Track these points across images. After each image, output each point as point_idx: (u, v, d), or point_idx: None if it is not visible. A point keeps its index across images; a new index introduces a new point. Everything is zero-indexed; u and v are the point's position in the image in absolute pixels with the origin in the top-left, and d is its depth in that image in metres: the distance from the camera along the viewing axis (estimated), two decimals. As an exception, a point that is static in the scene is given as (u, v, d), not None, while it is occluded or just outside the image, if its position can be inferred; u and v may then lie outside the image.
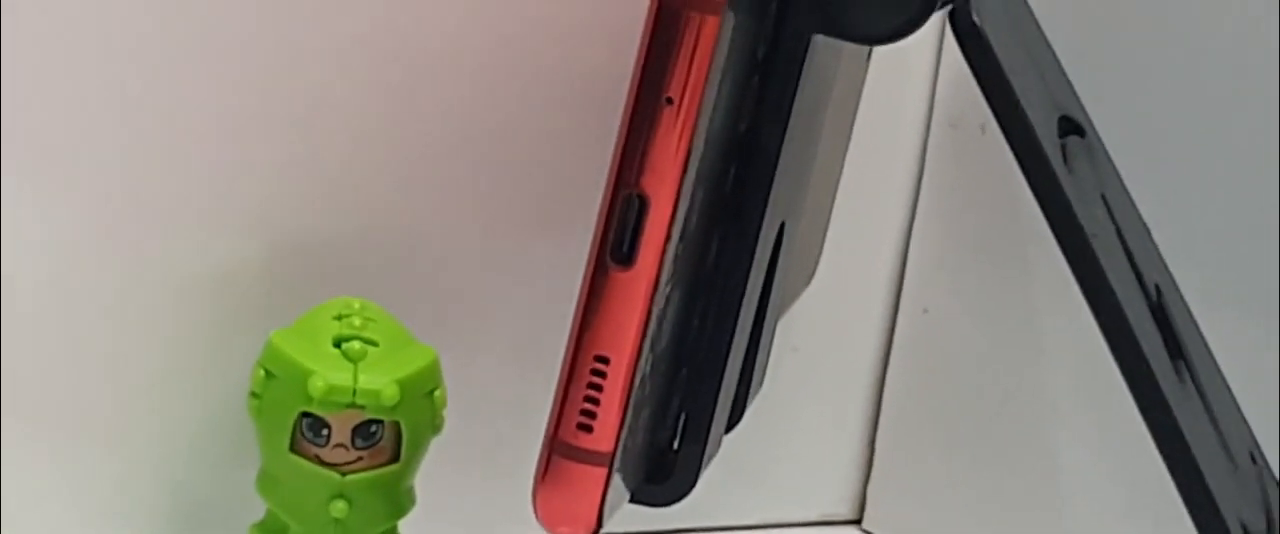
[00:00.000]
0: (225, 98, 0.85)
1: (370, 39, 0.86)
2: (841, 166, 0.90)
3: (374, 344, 0.81)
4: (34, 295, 0.84)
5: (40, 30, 0.82)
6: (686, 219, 0.72)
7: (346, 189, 0.87)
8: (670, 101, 0.70)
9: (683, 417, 0.76)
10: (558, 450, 0.73)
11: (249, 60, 0.85)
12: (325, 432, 0.81)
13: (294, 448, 0.81)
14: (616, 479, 0.73)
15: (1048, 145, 0.75)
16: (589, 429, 0.72)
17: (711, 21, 0.70)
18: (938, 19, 0.74)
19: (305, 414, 0.81)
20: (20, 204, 0.83)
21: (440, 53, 0.87)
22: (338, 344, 0.81)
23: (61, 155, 0.83)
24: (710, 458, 0.76)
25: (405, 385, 0.80)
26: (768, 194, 0.75)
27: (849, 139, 0.90)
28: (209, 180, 0.85)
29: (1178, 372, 0.77)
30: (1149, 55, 0.89)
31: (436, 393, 0.82)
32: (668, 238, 0.71)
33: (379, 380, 0.80)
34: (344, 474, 0.81)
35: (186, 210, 0.85)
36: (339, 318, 0.81)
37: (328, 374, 0.80)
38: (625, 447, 0.73)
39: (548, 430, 0.73)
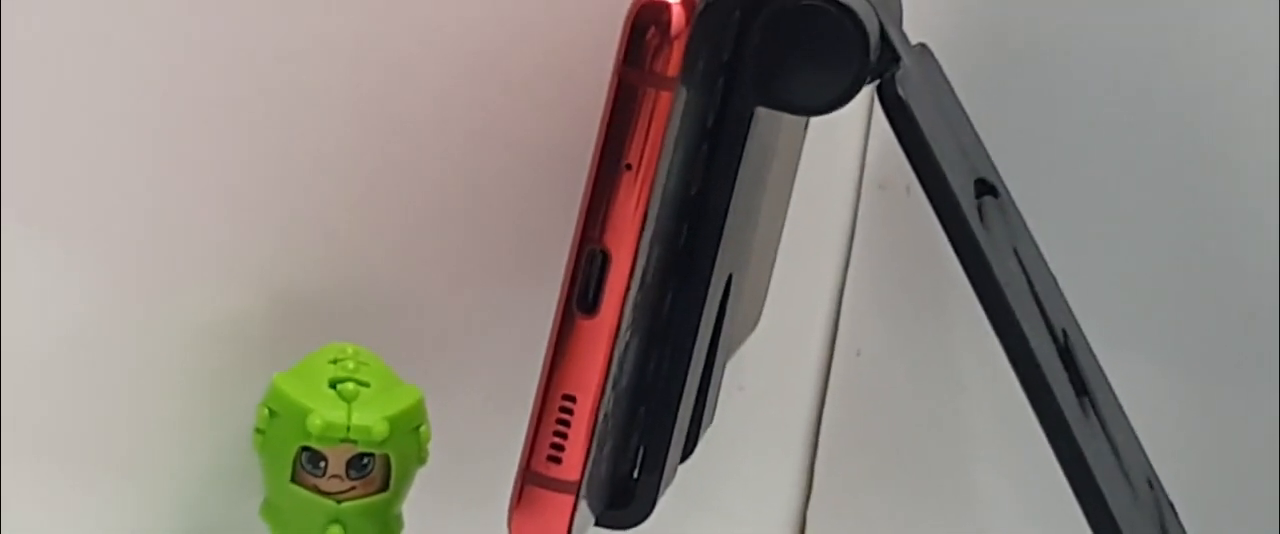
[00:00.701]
0: (232, 167, 0.85)
1: (364, 114, 0.86)
2: (783, 223, 0.90)
3: (366, 385, 0.81)
4: (59, 342, 0.84)
5: (63, 97, 0.82)
6: (644, 272, 0.72)
7: (341, 248, 0.87)
8: (629, 167, 0.70)
9: (642, 449, 0.76)
10: (530, 479, 0.72)
11: (254, 134, 0.85)
12: (323, 464, 0.81)
13: (295, 478, 0.81)
14: (583, 505, 0.73)
15: (966, 205, 0.75)
16: (558, 460, 0.72)
17: (665, 96, 0.70)
18: (867, 92, 0.74)
19: (305, 448, 0.80)
20: (46, 260, 0.83)
21: (425, 125, 0.87)
22: (333, 385, 0.81)
23: (84, 215, 0.83)
24: (666, 485, 0.76)
25: (394, 422, 0.80)
26: (716, 250, 0.74)
27: (789, 198, 0.90)
28: (218, 240, 0.85)
29: (1083, 407, 0.77)
30: (1054, 124, 0.89)
31: (422, 428, 0.82)
32: (627, 289, 0.71)
33: (370, 418, 0.80)
34: (339, 502, 0.81)
35: (198, 267, 0.85)
36: (334, 362, 0.81)
37: (325, 412, 0.80)
38: (590, 476, 0.72)
39: (521, 461, 0.72)
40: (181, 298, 0.85)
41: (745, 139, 0.74)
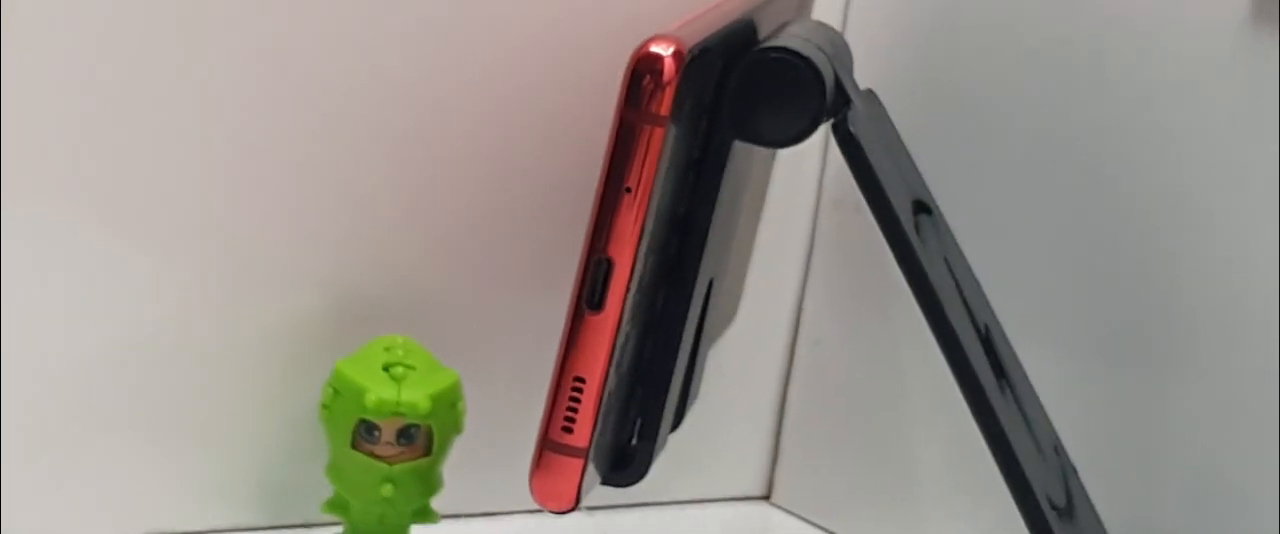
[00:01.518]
0: (301, 191, 0.84)
1: (410, 147, 0.85)
2: (755, 235, 0.90)
3: (412, 369, 0.81)
4: (158, 334, 0.83)
5: (158, 131, 0.81)
6: (641, 276, 0.71)
7: (391, 258, 0.87)
8: (629, 190, 0.70)
9: (639, 421, 0.75)
10: (547, 446, 0.72)
11: (320, 164, 0.84)
12: (377, 433, 0.81)
13: (354, 445, 0.81)
14: (590, 467, 0.72)
15: (905, 222, 0.75)
16: (570, 430, 0.71)
17: (659, 132, 0.70)
18: (824, 129, 0.74)
19: (362, 420, 0.81)
20: (142, 266, 0.82)
21: (460, 157, 0.86)
22: (386, 369, 0.81)
23: (177, 229, 0.83)
24: (659, 451, 0.76)
25: (436, 399, 0.80)
26: (700, 258, 0.74)
27: (760, 215, 0.90)
28: (289, 252, 0.85)
29: (1001, 387, 0.77)
30: (977, 155, 0.88)
31: (458, 404, 0.82)
32: (627, 290, 0.71)
33: (416, 395, 0.80)
34: (391, 464, 0.81)
35: (273, 274, 0.85)
36: (386, 349, 0.82)
37: (379, 391, 0.80)
38: (597, 443, 0.72)
39: (540, 431, 0.72)
40: (259, 298, 0.85)
41: (724, 167, 0.74)
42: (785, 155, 0.86)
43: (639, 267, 0.71)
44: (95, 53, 0.80)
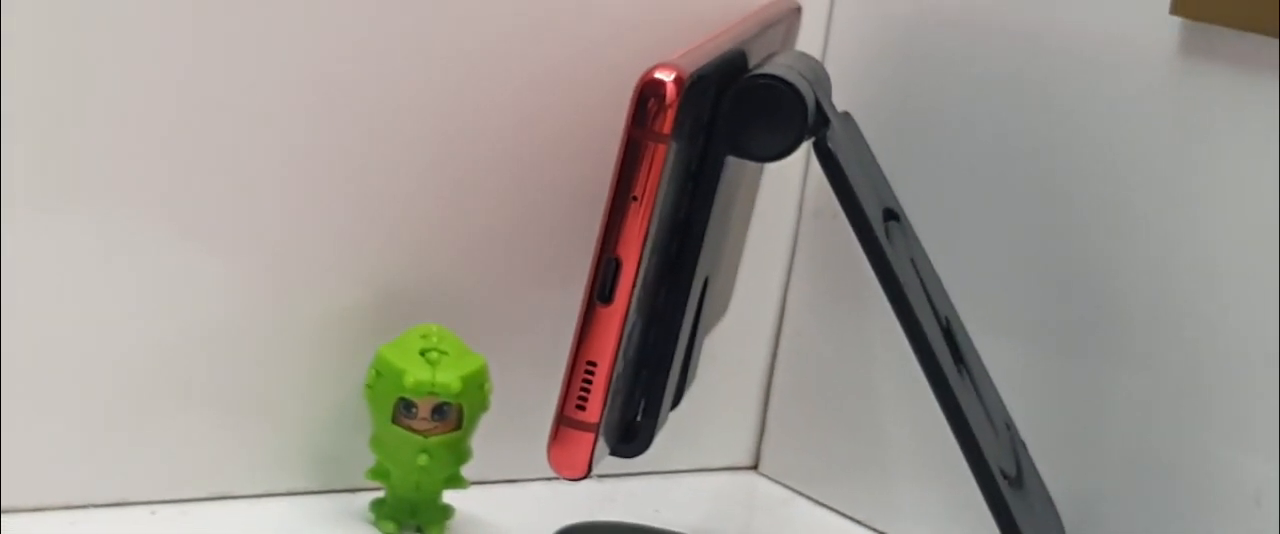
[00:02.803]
0: (347, 198, 0.84)
1: (444, 160, 0.85)
2: (745, 238, 0.89)
3: (446, 354, 0.81)
4: (224, 324, 0.83)
5: (217, 141, 0.81)
6: (646, 274, 0.71)
7: (427, 257, 0.86)
8: (635, 199, 0.70)
9: (643, 400, 0.75)
10: (563, 421, 0.71)
11: (365, 174, 0.84)
12: (414, 410, 0.81)
13: (394, 420, 0.81)
14: (601, 441, 0.72)
15: (877, 227, 0.75)
16: (583, 408, 0.71)
17: (662, 148, 0.70)
18: (806, 146, 0.74)
19: (401, 398, 0.81)
20: (215, 264, 0.82)
21: (488, 169, 0.86)
22: (422, 354, 0.81)
23: (241, 231, 0.83)
24: (661, 426, 0.76)
25: (466, 380, 0.81)
26: (697, 258, 0.74)
27: (749, 220, 0.90)
28: (338, 252, 0.85)
29: (960, 372, 0.77)
30: (939, 169, 0.88)
31: (486, 385, 0.82)
32: (634, 286, 0.71)
33: (449, 377, 0.80)
34: (426, 437, 0.81)
35: (326, 270, 0.85)
36: (423, 337, 0.82)
37: (416, 373, 0.80)
38: (606, 419, 0.72)
39: (557, 409, 0.72)
40: (311, 293, 0.84)
41: (718, 179, 0.74)
42: (772, 169, 0.86)
43: (644, 265, 0.71)
44: (176, 82, 0.80)
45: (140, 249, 0.81)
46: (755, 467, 0.97)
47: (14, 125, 0.77)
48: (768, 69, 0.73)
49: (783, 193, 0.94)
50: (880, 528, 0.90)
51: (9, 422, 0.79)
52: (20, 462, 0.80)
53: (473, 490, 0.84)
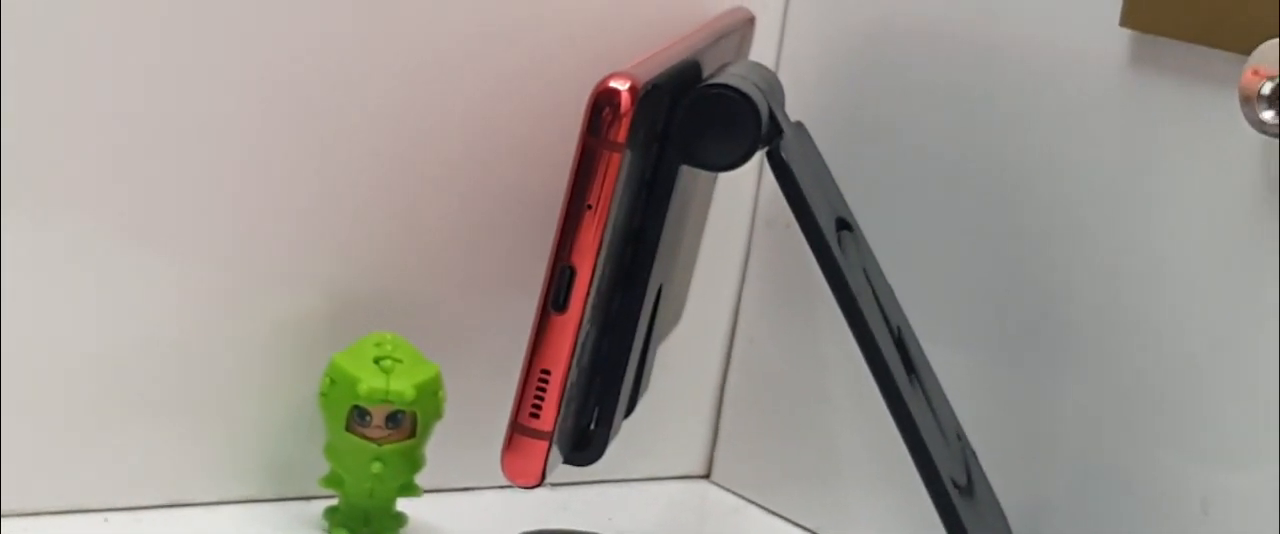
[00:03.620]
0: (301, 205, 0.84)
1: (399, 168, 0.85)
2: (698, 247, 0.90)
3: (400, 361, 0.81)
4: (178, 331, 0.83)
5: (168, 149, 0.81)
6: (600, 282, 0.71)
7: (382, 263, 0.87)
8: (590, 207, 0.70)
9: (597, 408, 0.75)
10: (517, 429, 0.71)
11: (319, 182, 0.84)
12: (368, 417, 0.81)
13: (348, 428, 0.81)
14: (554, 448, 0.72)
15: (829, 237, 0.75)
16: (537, 416, 0.71)
17: (616, 157, 0.70)
18: (759, 155, 0.74)
19: (355, 406, 0.81)
20: (168, 270, 0.82)
21: (443, 177, 0.86)
22: (376, 362, 0.81)
23: (194, 237, 0.82)
24: (614, 434, 0.76)
25: (420, 388, 0.81)
26: (651, 267, 0.74)
27: (703, 229, 0.90)
28: (293, 258, 0.85)
29: (911, 381, 0.77)
30: (890, 179, 0.88)
31: (440, 393, 0.82)
32: (588, 294, 0.71)
33: (403, 385, 0.81)
34: (380, 445, 0.81)
35: (280, 277, 0.85)
36: (377, 345, 0.82)
37: (370, 381, 0.80)
38: (560, 427, 0.72)
39: (511, 416, 0.72)
40: (265, 300, 0.84)
41: (672, 188, 0.74)
42: (725, 178, 0.86)
43: (598, 273, 0.71)
44: (131, 90, 0.80)
45: (93, 256, 0.81)
46: (708, 475, 0.97)
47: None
48: (722, 79, 0.73)
49: (736, 202, 0.94)
50: (831, 536, 0.91)
51: (-42, 429, 0.79)
52: (-27, 469, 0.80)
53: (426, 498, 0.84)
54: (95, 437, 0.82)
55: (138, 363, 0.82)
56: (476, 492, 0.89)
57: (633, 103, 0.69)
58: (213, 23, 0.81)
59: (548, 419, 0.71)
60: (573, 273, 0.70)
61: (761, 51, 0.91)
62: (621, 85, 0.69)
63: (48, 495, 0.82)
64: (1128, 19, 0.78)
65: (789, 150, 0.74)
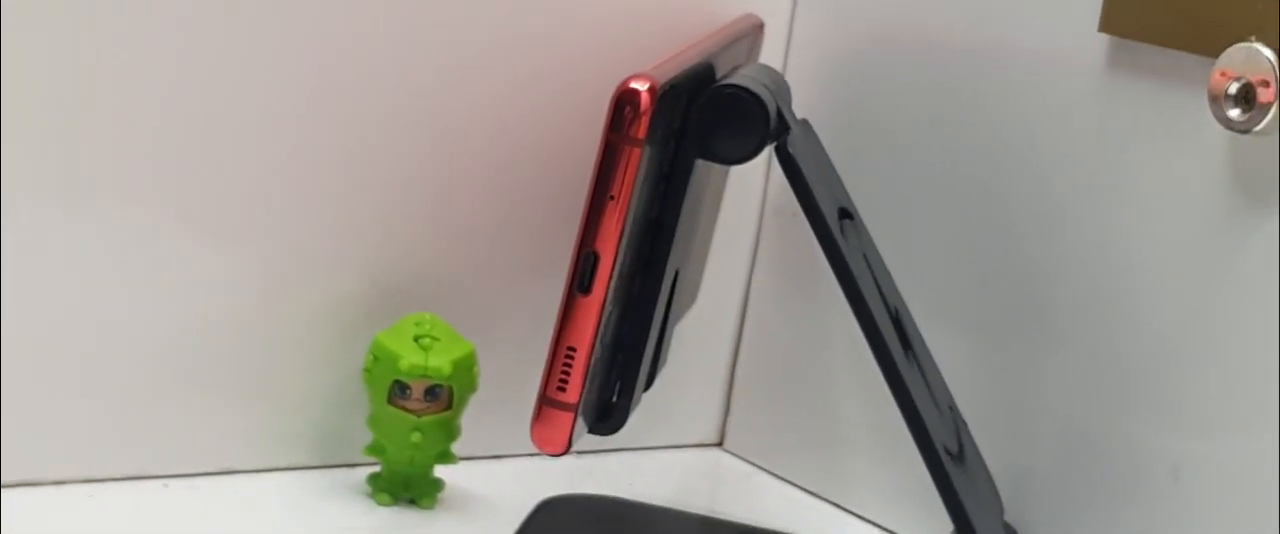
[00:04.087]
0: (348, 196, 0.85)
1: (436, 163, 0.86)
2: (712, 234, 0.90)
3: (438, 340, 0.83)
4: (232, 312, 0.83)
5: (224, 144, 0.81)
6: (621, 266, 0.72)
7: (420, 249, 0.87)
8: (612, 198, 0.70)
9: (619, 383, 0.75)
10: (545, 402, 0.72)
11: (365, 175, 0.85)
12: (408, 391, 0.82)
13: (389, 401, 0.82)
14: (579, 420, 0.72)
15: (833, 225, 0.75)
16: (564, 389, 0.71)
17: (637, 152, 0.70)
18: (768, 150, 0.75)
19: (397, 381, 0.82)
20: (222, 257, 0.82)
21: (478, 169, 0.87)
22: (416, 340, 0.82)
23: (245, 226, 0.83)
24: (635, 406, 0.76)
25: (456, 364, 0.82)
26: (668, 253, 0.75)
27: (716, 218, 0.90)
28: (338, 245, 0.85)
29: (908, 357, 0.77)
30: (889, 171, 0.88)
31: (474, 368, 0.83)
32: (610, 278, 0.71)
33: (441, 361, 0.82)
34: (419, 416, 0.82)
35: (326, 262, 0.85)
36: (416, 324, 0.83)
37: (410, 357, 0.82)
38: (585, 400, 0.72)
39: (539, 390, 0.72)
40: (313, 283, 0.85)
41: (688, 180, 0.74)
42: (737, 171, 0.87)
43: (620, 259, 0.71)
44: (182, 88, 0.80)
45: (158, 246, 0.81)
46: (720, 444, 0.97)
47: (32, 128, 0.77)
48: (734, 79, 0.74)
49: (746, 193, 0.94)
50: (835, 500, 0.91)
51: (33, 404, 0.80)
52: (42, 440, 0.81)
53: (462, 465, 0.85)
54: (155, 410, 0.83)
55: (195, 342, 0.83)
56: (508, 459, 0.90)
57: (652, 102, 0.69)
58: (259, 21, 0.81)
59: (573, 392, 0.71)
60: (596, 258, 0.70)
61: (770, 55, 0.92)
62: (642, 85, 0.70)
63: (112, 463, 0.82)
64: (1106, 25, 0.78)
65: (796, 146, 0.75)
